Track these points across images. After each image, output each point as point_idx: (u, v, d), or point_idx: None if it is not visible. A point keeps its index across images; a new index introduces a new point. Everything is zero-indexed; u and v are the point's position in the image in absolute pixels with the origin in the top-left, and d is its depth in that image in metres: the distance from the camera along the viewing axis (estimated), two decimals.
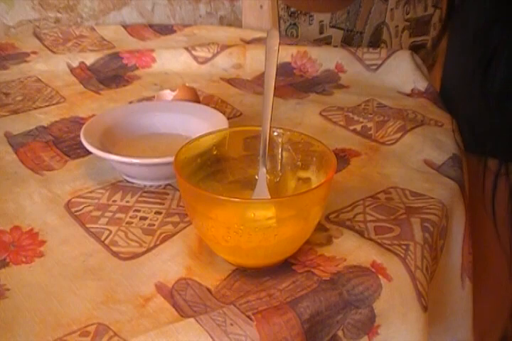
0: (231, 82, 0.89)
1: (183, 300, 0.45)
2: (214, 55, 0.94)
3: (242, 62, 0.93)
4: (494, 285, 0.83)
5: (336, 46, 1.21)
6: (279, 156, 0.53)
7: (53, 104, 0.80)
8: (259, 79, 0.88)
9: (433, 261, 0.55)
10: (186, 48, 0.95)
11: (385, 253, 0.50)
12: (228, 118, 0.64)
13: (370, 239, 0.52)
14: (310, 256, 0.50)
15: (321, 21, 1.41)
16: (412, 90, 0.82)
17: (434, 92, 0.82)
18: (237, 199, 0.46)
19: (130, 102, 0.80)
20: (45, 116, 0.76)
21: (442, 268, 0.60)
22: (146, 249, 0.51)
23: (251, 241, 0.45)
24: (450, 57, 0.84)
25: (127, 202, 0.58)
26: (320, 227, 0.53)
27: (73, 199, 0.58)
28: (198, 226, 0.49)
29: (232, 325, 0.42)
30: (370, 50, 0.91)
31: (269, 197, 0.51)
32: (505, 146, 0.77)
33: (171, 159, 0.49)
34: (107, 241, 0.52)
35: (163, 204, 0.58)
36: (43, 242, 0.52)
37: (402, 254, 0.50)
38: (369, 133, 0.71)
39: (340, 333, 0.47)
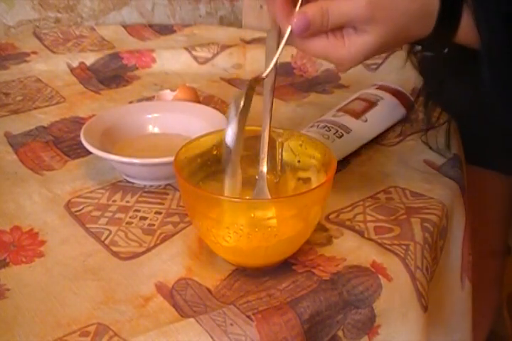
0: (231, 82, 0.89)
1: (183, 300, 0.45)
2: (214, 55, 0.94)
3: (242, 62, 0.93)
4: (484, 280, 0.84)
5: None
6: (279, 156, 0.53)
7: (53, 104, 0.80)
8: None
9: (433, 261, 0.55)
10: (186, 48, 0.95)
11: (385, 253, 0.50)
12: None
13: (370, 239, 0.52)
14: (310, 256, 0.50)
15: None
16: (413, 90, 0.81)
17: None
18: (237, 199, 0.46)
19: (130, 102, 0.80)
20: (45, 116, 0.76)
21: (442, 268, 0.59)
22: (146, 249, 0.51)
23: (251, 241, 0.45)
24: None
25: (127, 202, 0.58)
26: (320, 227, 0.53)
27: (73, 199, 0.58)
28: (198, 227, 0.49)
29: (232, 325, 0.42)
30: None
31: (269, 197, 0.51)
32: (504, 158, 0.78)
33: (171, 159, 0.49)
34: (107, 241, 0.52)
35: (163, 204, 0.58)
36: (43, 242, 0.52)
37: (402, 254, 0.50)
38: None
39: (340, 333, 0.47)
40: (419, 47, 0.52)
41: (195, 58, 0.94)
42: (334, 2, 0.46)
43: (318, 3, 0.46)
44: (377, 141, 0.69)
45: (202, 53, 0.94)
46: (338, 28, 0.47)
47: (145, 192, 0.60)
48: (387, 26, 0.46)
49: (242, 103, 0.46)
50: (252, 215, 0.46)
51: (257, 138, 0.52)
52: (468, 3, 0.47)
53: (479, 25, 0.47)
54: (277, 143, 0.53)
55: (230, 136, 0.45)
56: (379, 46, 0.47)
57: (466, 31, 0.48)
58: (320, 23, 0.46)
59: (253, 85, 0.48)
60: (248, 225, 0.45)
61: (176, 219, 0.55)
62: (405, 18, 0.46)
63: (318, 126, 0.66)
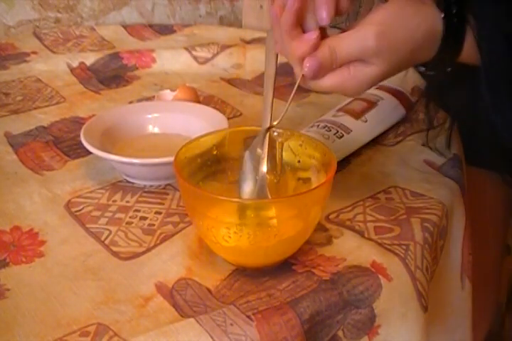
0: (231, 82, 0.89)
1: (183, 300, 0.45)
2: (214, 55, 0.94)
3: (242, 62, 0.93)
4: (482, 280, 0.84)
5: None
6: (279, 156, 0.53)
7: (53, 104, 0.80)
8: (259, 79, 0.88)
9: (433, 261, 0.55)
10: (186, 48, 0.95)
11: (385, 253, 0.50)
12: (228, 119, 0.64)
13: (370, 239, 0.52)
14: (310, 256, 0.50)
15: None
16: (412, 89, 0.81)
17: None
18: (237, 200, 0.46)
19: (130, 102, 0.80)
20: (45, 116, 0.76)
21: (442, 268, 0.59)
22: (146, 249, 0.51)
23: (251, 241, 0.45)
24: None
25: (127, 202, 0.58)
26: (320, 227, 0.53)
27: (73, 199, 0.58)
28: (198, 227, 0.49)
29: (232, 325, 0.42)
30: None
31: (269, 197, 0.51)
32: (503, 159, 0.78)
33: (171, 159, 0.49)
34: (107, 241, 0.52)
35: (163, 204, 0.58)
36: (43, 242, 0.52)
37: (402, 254, 0.50)
38: None
39: (340, 333, 0.47)
40: (422, 68, 0.52)
41: (195, 58, 0.94)
42: (342, 39, 0.46)
43: (325, 42, 0.47)
44: (377, 140, 0.69)
45: (202, 53, 0.94)
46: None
47: (145, 192, 0.60)
48: (393, 56, 0.46)
49: (260, 156, 0.49)
50: (252, 215, 0.46)
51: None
52: (471, 25, 0.47)
53: (480, 46, 0.47)
54: (277, 143, 0.53)
55: (246, 193, 0.48)
56: (384, 75, 0.48)
57: (470, 52, 0.48)
58: (330, 63, 0.47)
59: (267, 134, 0.50)
60: (248, 225, 0.45)
61: (176, 219, 0.55)
62: (410, 46, 0.47)
63: (318, 126, 0.66)
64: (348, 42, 0.46)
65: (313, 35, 0.47)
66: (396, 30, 0.46)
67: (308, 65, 0.46)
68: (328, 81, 0.48)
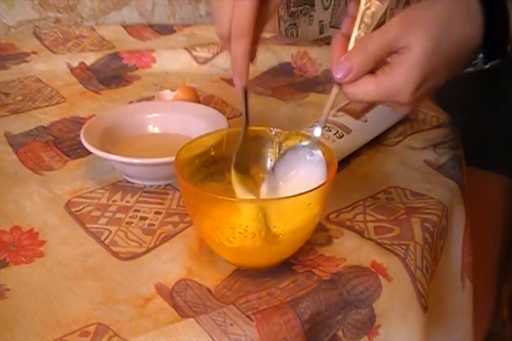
0: (231, 82, 0.88)
1: (183, 300, 0.45)
2: (214, 55, 0.94)
3: None
4: (482, 280, 0.84)
5: None
6: (278, 156, 0.53)
7: (53, 104, 0.80)
8: (259, 79, 0.88)
9: (433, 261, 0.55)
10: (186, 48, 0.95)
11: (385, 253, 0.50)
12: (228, 119, 0.64)
13: (370, 239, 0.52)
14: (310, 256, 0.50)
15: (320, 21, 1.41)
16: None
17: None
18: (237, 199, 0.46)
19: (130, 102, 0.80)
20: (45, 116, 0.76)
21: (442, 268, 0.59)
22: (146, 249, 0.51)
23: (255, 242, 0.45)
24: None
25: (127, 202, 0.58)
26: (320, 227, 0.53)
27: (73, 199, 0.58)
28: (201, 228, 0.48)
29: (232, 325, 0.42)
30: None
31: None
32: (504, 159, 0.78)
33: (171, 159, 0.49)
34: (107, 241, 0.52)
35: (163, 204, 0.58)
36: (43, 242, 0.52)
37: (402, 254, 0.50)
38: None
39: (340, 333, 0.47)
40: (481, 55, 0.49)
41: (195, 58, 0.94)
42: (368, 37, 0.45)
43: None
44: (377, 141, 0.69)
45: (202, 53, 0.94)
46: (382, 62, 0.45)
47: (145, 192, 0.60)
48: (426, 32, 0.44)
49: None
50: (259, 215, 0.46)
51: (256, 138, 0.52)
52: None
53: None
54: (274, 143, 0.53)
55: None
56: (429, 55, 0.44)
57: None
58: (360, 58, 0.45)
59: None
60: (253, 225, 0.45)
61: (175, 219, 0.55)
62: (441, 15, 0.45)
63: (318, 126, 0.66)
64: (374, 37, 0.45)
65: (335, 37, 0.46)
66: (421, 9, 0.45)
67: (335, 67, 0.45)
68: (368, 85, 0.45)
